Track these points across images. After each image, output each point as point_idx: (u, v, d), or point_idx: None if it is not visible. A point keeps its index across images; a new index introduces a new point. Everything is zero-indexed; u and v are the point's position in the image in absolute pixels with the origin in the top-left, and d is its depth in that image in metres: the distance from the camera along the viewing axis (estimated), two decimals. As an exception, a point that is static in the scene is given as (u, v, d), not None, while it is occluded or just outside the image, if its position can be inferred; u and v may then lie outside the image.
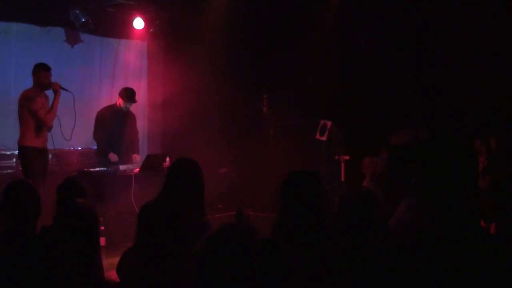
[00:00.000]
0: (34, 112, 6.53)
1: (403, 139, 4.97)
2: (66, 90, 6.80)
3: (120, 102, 7.52)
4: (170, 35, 9.67)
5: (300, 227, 3.03)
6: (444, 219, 3.59)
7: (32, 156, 6.53)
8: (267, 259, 1.93)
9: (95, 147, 7.86)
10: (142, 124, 8.93)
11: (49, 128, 6.70)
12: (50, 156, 7.06)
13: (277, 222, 3.15)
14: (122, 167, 7.14)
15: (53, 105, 6.66)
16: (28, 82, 6.78)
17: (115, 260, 3.79)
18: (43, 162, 6.71)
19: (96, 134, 7.54)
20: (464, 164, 4.11)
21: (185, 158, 4.07)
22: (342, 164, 7.68)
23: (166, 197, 3.78)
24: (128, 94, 7.52)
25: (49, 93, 6.80)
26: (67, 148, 7.93)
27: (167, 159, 7.46)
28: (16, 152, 7.27)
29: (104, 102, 8.69)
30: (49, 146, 6.84)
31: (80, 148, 8.45)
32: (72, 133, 6.93)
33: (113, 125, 7.48)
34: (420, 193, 4.11)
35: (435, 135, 4.65)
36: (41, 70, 6.65)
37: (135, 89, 7.87)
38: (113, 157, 7.41)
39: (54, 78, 6.79)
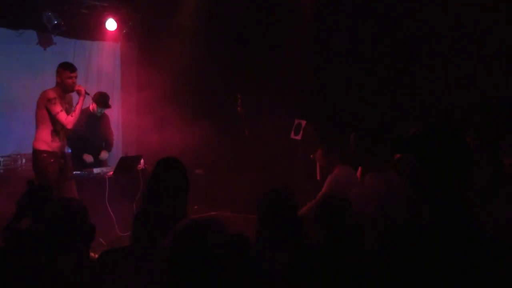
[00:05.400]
0: (54, 114, 6.08)
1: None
2: (89, 94, 6.56)
3: (93, 107, 7.45)
4: (143, 36, 9.64)
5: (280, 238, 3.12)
6: (437, 207, 3.74)
7: (46, 161, 6.10)
8: (235, 254, 1.92)
9: (70, 151, 7.79)
10: (116, 128, 8.86)
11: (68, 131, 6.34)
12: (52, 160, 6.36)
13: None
14: (96, 170, 7.11)
15: (76, 108, 6.21)
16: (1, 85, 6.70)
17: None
18: (59, 167, 6.23)
19: (69, 138, 7.46)
20: (459, 154, 4.31)
21: (171, 158, 3.99)
22: (318, 163, 7.71)
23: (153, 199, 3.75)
24: (102, 100, 7.44)
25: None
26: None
27: (142, 161, 7.45)
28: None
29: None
30: (23, 150, 6.72)
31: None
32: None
33: (87, 129, 7.42)
34: (414, 181, 4.31)
35: (429, 128, 4.76)
36: (65, 71, 6.15)
37: (108, 91, 7.82)
38: (88, 158, 7.37)
39: (27, 81, 6.64)
